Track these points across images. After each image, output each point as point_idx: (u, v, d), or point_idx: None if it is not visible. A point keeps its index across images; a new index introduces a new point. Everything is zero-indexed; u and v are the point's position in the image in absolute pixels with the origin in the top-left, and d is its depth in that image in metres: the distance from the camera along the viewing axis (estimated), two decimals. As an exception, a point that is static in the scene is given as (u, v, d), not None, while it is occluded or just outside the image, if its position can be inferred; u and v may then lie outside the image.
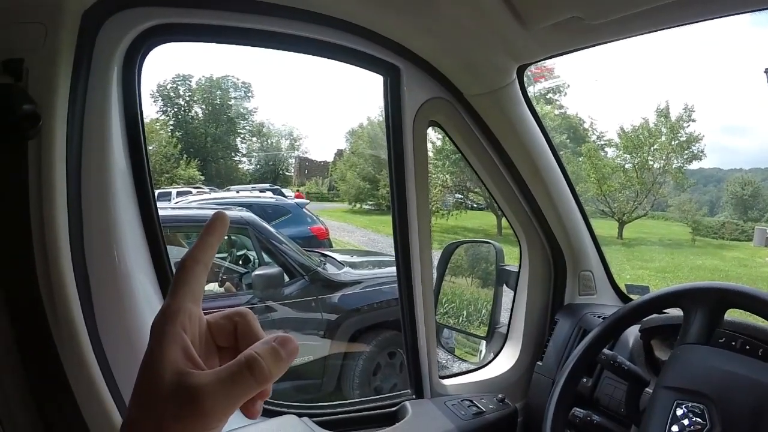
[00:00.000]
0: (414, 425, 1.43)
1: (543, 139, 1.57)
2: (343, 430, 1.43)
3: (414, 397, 1.56)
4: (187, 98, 24.92)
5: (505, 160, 1.59)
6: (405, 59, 1.42)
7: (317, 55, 1.38)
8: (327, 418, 1.43)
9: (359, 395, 3.92)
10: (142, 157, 1.20)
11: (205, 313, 0.52)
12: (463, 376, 1.72)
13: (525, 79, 1.48)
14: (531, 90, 1.52)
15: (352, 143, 23.32)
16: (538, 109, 1.57)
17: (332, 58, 1.39)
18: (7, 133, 0.93)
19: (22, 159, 0.96)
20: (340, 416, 1.46)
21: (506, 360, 1.75)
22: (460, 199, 17.69)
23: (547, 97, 18.65)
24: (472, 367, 1.79)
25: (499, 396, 1.58)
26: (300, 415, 1.36)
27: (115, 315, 1.12)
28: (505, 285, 1.90)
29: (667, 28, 1.18)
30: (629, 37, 1.23)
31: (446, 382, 1.63)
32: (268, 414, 1.37)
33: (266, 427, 1.31)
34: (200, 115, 25.10)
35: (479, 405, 1.53)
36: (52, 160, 0.98)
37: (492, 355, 1.80)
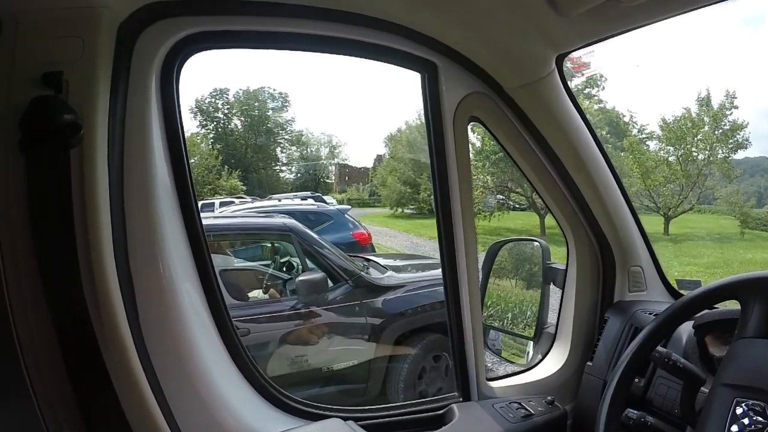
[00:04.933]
0: (461, 428, 1.40)
1: (586, 130, 1.52)
2: None
3: (461, 399, 1.53)
4: (226, 111, 25.50)
5: (549, 153, 1.55)
6: (441, 54, 1.40)
7: (352, 56, 1.39)
8: (372, 421, 1.42)
9: (404, 399, 3.89)
10: (183, 164, 1.22)
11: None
12: (511, 378, 1.68)
13: (564, 71, 1.44)
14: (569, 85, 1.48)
15: (392, 148, 23.36)
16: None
17: (367, 58, 1.39)
18: (49, 142, 0.97)
19: (65, 167, 0.99)
20: (385, 419, 1.44)
21: (555, 361, 1.69)
22: (502, 200, 17.47)
23: (585, 92, 18.30)
24: (520, 368, 1.75)
25: (548, 398, 1.53)
26: (345, 419, 1.35)
27: (160, 323, 1.15)
28: (552, 284, 1.84)
29: (705, 6, 1.13)
30: (667, 17, 1.19)
31: (494, 384, 1.59)
32: (313, 417, 1.37)
33: (311, 431, 1.31)
34: (239, 127, 25.65)
35: (528, 407, 1.48)
36: (95, 166, 1.01)
37: (540, 356, 1.75)
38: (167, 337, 1.16)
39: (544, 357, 1.73)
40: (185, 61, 1.22)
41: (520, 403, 1.50)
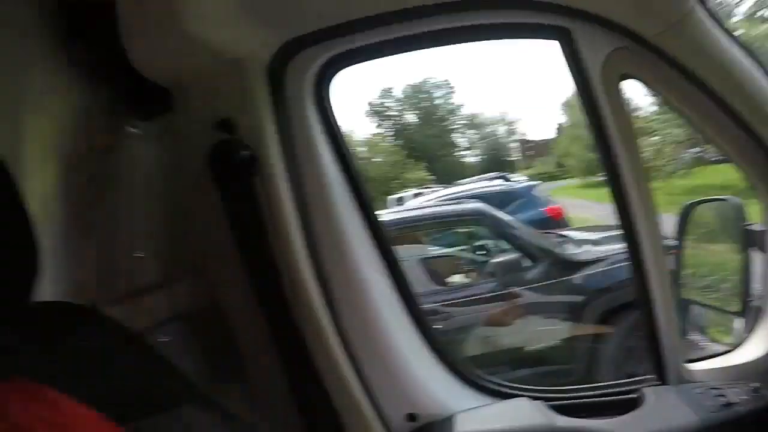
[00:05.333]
0: (652, 415, 1.33)
1: (754, 62, 1.29)
2: (578, 415, 1.38)
3: (656, 383, 1.43)
4: (397, 109, 26.36)
5: (714, 97, 1.32)
6: (573, 18, 1.32)
7: (486, 40, 1.44)
8: (561, 402, 1.42)
9: (608, 381, 3.72)
10: (351, 167, 1.40)
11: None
12: (713, 360, 1.51)
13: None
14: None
15: (571, 115, 21.91)
16: (749, 32, 1.30)
17: (499, 38, 1.44)
18: (236, 174, 1.21)
19: (253, 191, 1.22)
20: (574, 401, 1.44)
21: (764, 341, 1.46)
22: (699, 152, 15.20)
23: (757, 15, 14.75)
24: (724, 349, 1.56)
25: (754, 385, 1.33)
26: (534, 398, 1.39)
27: (359, 315, 1.34)
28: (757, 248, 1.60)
29: None
30: None
31: (692, 366, 1.45)
32: (502, 396, 1.43)
33: (499, 409, 1.39)
34: (413, 121, 26.31)
35: (729, 395, 1.32)
36: (277, 188, 1.23)
37: (746, 334, 1.52)
38: (365, 326, 1.34)
39: (750, 336, 1.50)
40: (332, 79, 1.38)
41: (720, 390, 1.34)
